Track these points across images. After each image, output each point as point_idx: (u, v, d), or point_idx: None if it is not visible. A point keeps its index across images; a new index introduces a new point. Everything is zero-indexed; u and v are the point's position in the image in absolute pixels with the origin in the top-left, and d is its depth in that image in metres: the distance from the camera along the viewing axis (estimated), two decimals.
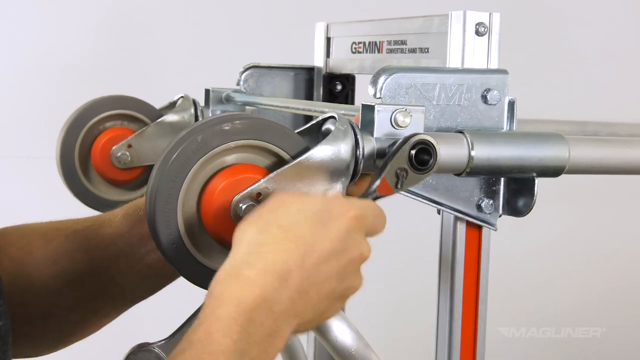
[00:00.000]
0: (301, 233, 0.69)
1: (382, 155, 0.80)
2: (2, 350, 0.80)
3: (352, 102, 1.30)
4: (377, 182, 0.78)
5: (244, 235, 0.70)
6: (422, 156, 0.78)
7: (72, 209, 1.21)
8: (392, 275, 2.22)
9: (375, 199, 0.78)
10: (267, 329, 0.67)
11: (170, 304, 1.56)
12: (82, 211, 1.14)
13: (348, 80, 1.30)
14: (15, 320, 0.91)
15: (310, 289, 0.69)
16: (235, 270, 0.68)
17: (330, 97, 1.30)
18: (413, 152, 0.78)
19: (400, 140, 0.78)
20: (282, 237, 0.69)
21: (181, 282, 0.85)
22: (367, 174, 0.84)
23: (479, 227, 0.93)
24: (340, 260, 0.71)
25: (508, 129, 0.90)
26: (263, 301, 0.67)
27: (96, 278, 0.94)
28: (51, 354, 0.98)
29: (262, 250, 0.69)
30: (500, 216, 0.92)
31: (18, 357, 0.95)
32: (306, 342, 1.45)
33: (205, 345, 0.66)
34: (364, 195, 0.78)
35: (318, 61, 1.29)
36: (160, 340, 0.89)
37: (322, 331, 0.98)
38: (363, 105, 0.82)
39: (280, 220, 0.70)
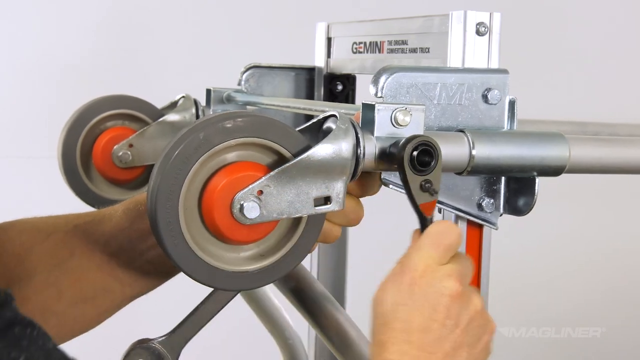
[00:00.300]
0: (396, 326, 0.77)
1: (382, 155, 0.80)
2: None
3: (353, 102, 1.30)
4: (420, 213, 0.80)
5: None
6: (422, 158, 0.78)
7: (72, 208, 1.20)
8: None
9: (432, 220, 0.80)
10: None
11: (171, 300, 1.56)
12: (82, 211, 1.14)
13: (349, 80, 1.30)
14: None
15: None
16: None
17: (331, 97, 1.30)
18: (415, 153, 0.78)
19: (399, 163, 0.79)
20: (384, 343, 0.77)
21: (182, 277, 0.85)
22: (368, 173, 0.84)
23: (480, 226, 0.93)
24: (440, 315, 0.76)
25: (509, 128, 0.90)
26: None
27: (96, 273, 0.94)
28: None
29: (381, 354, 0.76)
30: (500, 215, 0.92)
31: None
32: (307, 341, 1.45)
33: None
34: (423, 228, 0.80)
35: (319, 61, 1.29)
36: (161, 336, 0.89)
37: (322, 329, 0.98)
38: (363, 104, 0.82)
39: (375, 328, 0.78)
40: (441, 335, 0.76)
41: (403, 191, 0.84)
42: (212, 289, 0.88)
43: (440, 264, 0.78)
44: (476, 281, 0.94)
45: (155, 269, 0.94)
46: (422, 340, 0.75)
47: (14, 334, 0.68)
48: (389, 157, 0.79)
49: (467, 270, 0.80)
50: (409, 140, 0.78)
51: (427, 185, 0.79)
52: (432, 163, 0.78)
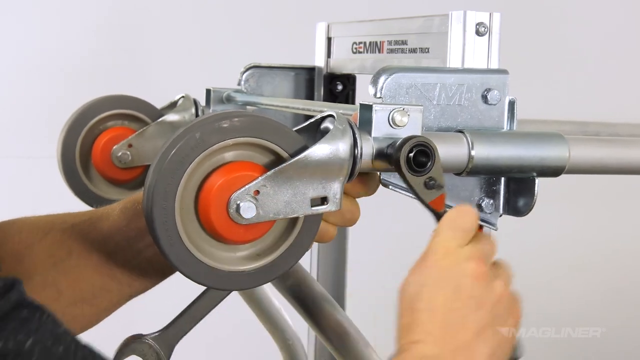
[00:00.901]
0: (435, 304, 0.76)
1: (380, 156, 0.80)
2: None
3: (353, 102, 1.30)
4: (432, 210, 0.80)
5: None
6: (419, 158, 0.78)
7: (72, 208, 1.20)
8: (392, 276, 2.21)
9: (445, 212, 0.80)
10: None
11: (165, 297, 1.56)
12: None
13: (349, 80, 1.30)
14: None
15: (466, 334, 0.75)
16: None
17: (331, 97, 1.30)
18: (411, 154, 0.78)
19: (397, 165, 0.79)
20: (428, 321, 0.76)
21: (178, 275, 0.85)
22: (365, 173, 0.84)
23: (480, 227, 0.92)
24: (462, 294, 0.76)
25: (508, 128, 0.90)
26: None
27: (94, 272, 0.94)
28: None
29: (408, 333, 0.75)
30: (500, 216, 0.92)
31: None
32: (307, 341, 1.45)
33: None
34: (439, 219, 0.80)
35: (319, 61, 1.29)
36: (154, 332, 0.90)
37: (322, 330, 0.98)
38: (361, 104, 0.82)
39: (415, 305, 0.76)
40: (465, 315, 0.76)
41: (403, 192, 0.84)
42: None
43: (460, 246, 0.78)
44: None
45: (153, 267, 0.94)
46: (446, 319, 0.75)
47: (21, 317, 0.67)
48: (387, 157, 0.79)
49: (489, 250, 0.81)
50: (405, 141, 0.78)
51: (431, 182, 0.79)
52: (429, 164, 0.78)
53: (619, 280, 2.65)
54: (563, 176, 0.90)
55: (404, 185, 0.82)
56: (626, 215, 2.68)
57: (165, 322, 0.90)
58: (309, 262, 1.38)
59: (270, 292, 1.35)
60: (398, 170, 0.78)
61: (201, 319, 0.90)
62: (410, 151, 0.78)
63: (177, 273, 0.82)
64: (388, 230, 2.26)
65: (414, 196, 0.81)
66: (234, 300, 1.01)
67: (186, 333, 0.90)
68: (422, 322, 0.75)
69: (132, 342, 0.88)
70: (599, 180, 2.37)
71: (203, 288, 0.88)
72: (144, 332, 0.90)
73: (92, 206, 1.30)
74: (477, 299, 0.77)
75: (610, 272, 2.65)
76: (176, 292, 1.17)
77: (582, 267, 2.63)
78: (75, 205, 1.29)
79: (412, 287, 0.77)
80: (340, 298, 1.40)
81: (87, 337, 1.00)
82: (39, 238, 0.94)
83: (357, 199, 0.88)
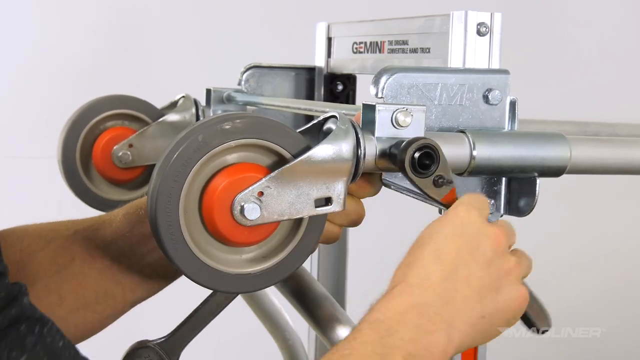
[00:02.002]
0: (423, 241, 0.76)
1: (383, 156, 0.80)
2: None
3: (353, 102, 1.30)
4: (444, 204, 0.80)
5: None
6: (423, 160, 0.78)
7: (72, 208, 1.21)
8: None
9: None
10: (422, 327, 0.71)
11: (170, 302, 1.56)
12: (83, 211, 1.14)
13: (349, 81, 1.30)
14: None
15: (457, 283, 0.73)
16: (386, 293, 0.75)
17: (332, 97, 1.30)
18: (416, 157, 0.78)
19: (401, 166, 0.79)
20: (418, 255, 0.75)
21: (182, 279, 0.85)
22: (369, 173, 0.84)
23: None
24: (475, 249, 0.76)
25: (509, 129, 0.90)
26: (410, 306, 0.72)
27: (97, 278, 0.94)
28: None
29: (407, 272, 0.74)
30: (501, 216, 0.92)
31: None
32: (307, 341, 1.45)
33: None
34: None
35: (319, 61, 1.29)
36: (160, 338, 0.90)
37: (322, 330, 0.98)
38: (364, 104, 0.82)
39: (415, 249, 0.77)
40: (472, 269, 0.75)
41: (404, 192, 0.84)
42: (211, 291, 0.88)
43: (481, 215, 0.78)
44: None
45: (157, 272, 0.94)
46: (451, 267, 0.74)
47: (18, 333, 0.67)
48: (390, 158, 0.79)
49: (510, 231, 0.81)
50: (410, 142, 0.78)
51: (440, 180, 0.79)
52: (432, 167, 0.78)
53: (618, 280, 2.65)
54: (562, 176, 0.90)
55: (405, 185, 0.82)
56: (626, 215, 2.68)
57: (171, 328, 0.90)
58: (309, 261, 1.38)
59: (271, 292, 1.35)
60: (403, 172, 0.78)
61: (207, 323, 0.90)
62: (415, 153, 0.78)
63: (181, 278, 0.82)
64: (388, 230, 2.26)
65: (422, 196, 0.81)
66: (234, 300, 1.00)
67: (192, 338, 0.90)
68: (425, 264, 0.74)
69: (139, 348, 0.88)
70: (598, 180, 2.37)
71: (208, 292, 0.88)
72: (150, 338, 0.90)
73: (92, 207, 1.31)
74: (488, 260, 0.76)
75: (610, 272, 2.65)
76: (181, 297, 1.17)
77: (581, 267, 2.64)
78: (76, 206, 1.29)
79: (427, 231, 0.77)
80: (340, 297, 1.41)
81: (94, 343, 1.00)
82: (42, 246, 0.94)
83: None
